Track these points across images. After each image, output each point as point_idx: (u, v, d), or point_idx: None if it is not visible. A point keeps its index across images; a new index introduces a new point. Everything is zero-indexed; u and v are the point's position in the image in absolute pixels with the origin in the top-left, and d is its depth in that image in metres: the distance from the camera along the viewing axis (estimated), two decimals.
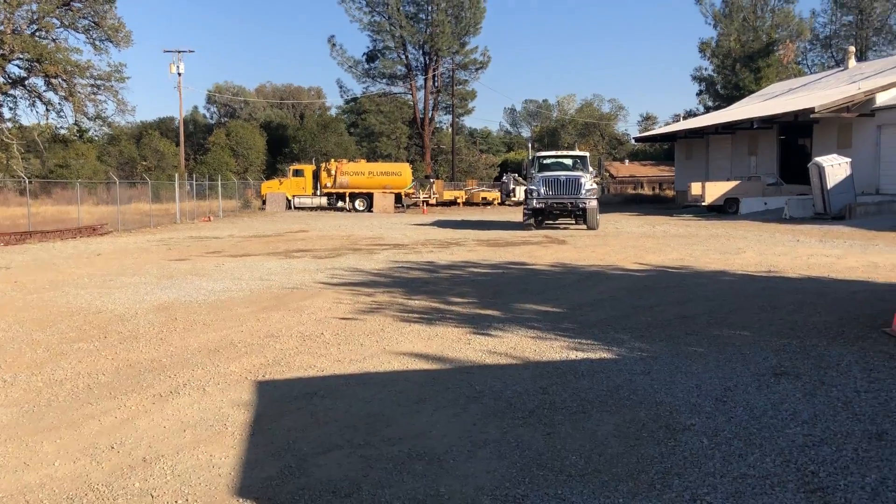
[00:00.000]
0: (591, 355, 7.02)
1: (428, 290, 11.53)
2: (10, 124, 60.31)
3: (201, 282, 12.73)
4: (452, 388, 5.97)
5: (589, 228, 25.72)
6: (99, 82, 59.78)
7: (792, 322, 8.51)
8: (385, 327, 8.53)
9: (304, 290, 11.74)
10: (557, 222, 28.47)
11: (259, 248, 19.31)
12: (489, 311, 9.48)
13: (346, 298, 10.77)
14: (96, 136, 64.74)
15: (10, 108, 65.24)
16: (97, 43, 59.66)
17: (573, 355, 7.03)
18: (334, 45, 67.34)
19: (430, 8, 62.90)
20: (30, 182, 33.64)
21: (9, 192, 49.24)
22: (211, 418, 5.33)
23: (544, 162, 27.67)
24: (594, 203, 25.59)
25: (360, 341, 7.81)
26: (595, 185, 26.51)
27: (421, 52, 65.49)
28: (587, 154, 28.25)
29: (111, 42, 59.83)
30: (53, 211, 40.20)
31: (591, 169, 27.40)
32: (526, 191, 27.30)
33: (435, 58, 64.78)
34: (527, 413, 5.30)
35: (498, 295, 10.87)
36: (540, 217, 26.73)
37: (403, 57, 65.69)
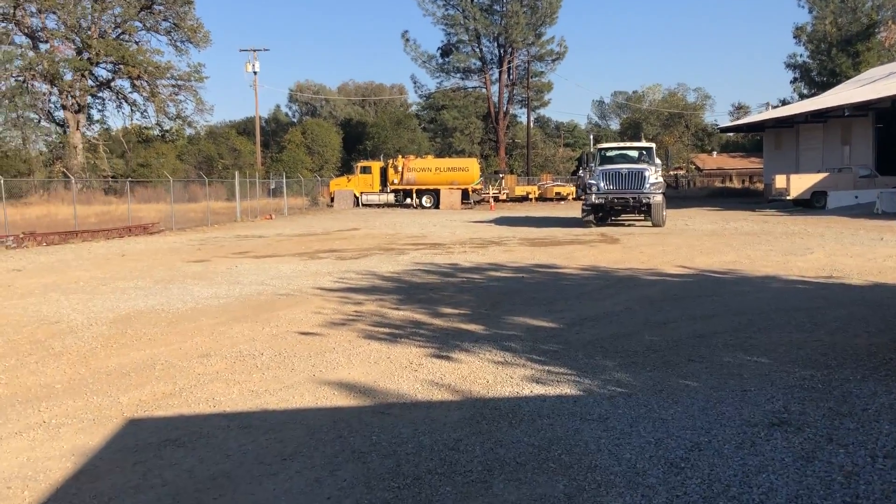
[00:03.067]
0: (551, 391, 5.69)
1: (426, 297, 10.33)
2: (97, 126, 62.42)
3: (195, 287, 11.91)
4: (346, 436, 4.77)
5: (654, 225, 23.92)
6: (179, 82, 61.04)
7: (830, 344, 6.92)
8: (338, 346, 7.39)
9: (293, 296, 10.73)
10: (623, 218, 26.72)
11: (291, 248, 18.52)
12: (472, 326, 8.21)
13: (329, 307, 9.70)
14: (190, 133, 66.07)
15: (99, 110, 67.60)
16: (178, 44, 60.93)
17: (528, 390, 5.71)
18: (408, 40, 66.41)
19: None
20: (77, 183, 34.03)
21: (94, 191, 50.57)
22: (22, 474, 4.32)
23: (607, 154, 25.94)
24: (659, 198, 23.74)
25: (295, 364, 6.70)
26: (661, 179, 24.61)
27: (496, 44, 63.99)
28: (653, 145, 26.25)
29: (191, 43, 60.98)
30: (123, 209, 40.82)
31: (657, 161, 25.51)
32: (585, 185, 25.69)
33: (510, 50, 63.13)
34: (408, 482, 4.05)
35: (497, 305, 9.57)
36: (601, 213, 25.07)
37: (478, 50, 64.33)
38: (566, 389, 5.71)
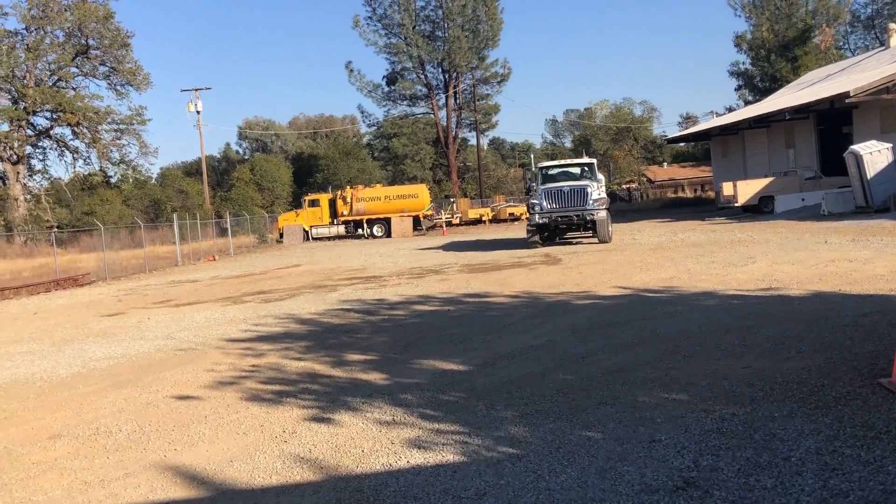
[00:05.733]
0: (431, 458, 4.86)
1: (336, 342, 9.47)
2: (39, 176, 60.53)
3: (92, 347, 10.91)
4: None
5: (600, 241, 23.39)
6: (121, 126, 59.53)
7: (758, 371, 6.21)
8: (212, 413, 6.50)
9: (193, 351, 9.80)
10: (570, 236, 26.09)
11: (218, 293, 17.52)
12: (373, 376, 7.37)
13: (226, 363, 8.79)
14: (139, 178, 64.27)
15: (40, 160, 65.50)
16: (118, 88, 59.54)
17: (405, 460, 4.88)
18: (352, 70, 65.64)
19: (445, 24, 61.08)
20: (20, 235, 32.73)
21: (39, 244, 48.79)
22: None
23: (549, 173, 25.37)
24: (604, 213, 23.20)
25: (150, 443, 5.80)
26: (604, 195, 24.13)
27: (440, 69, 63.66)
28: (594, 161, 25.82)
29: (131, 86, 59.66)
30: (64, 261, 39.29)
31: (599, 176, 25.03)
32: (528, 205, 25.10)
33: (455, 74, 62.86)
34: None
35: (409, 347, 8.74)
36: (546, 233, 24.44)
37: (423, 77, 64.01)
38: (449, 455, 4.88)
